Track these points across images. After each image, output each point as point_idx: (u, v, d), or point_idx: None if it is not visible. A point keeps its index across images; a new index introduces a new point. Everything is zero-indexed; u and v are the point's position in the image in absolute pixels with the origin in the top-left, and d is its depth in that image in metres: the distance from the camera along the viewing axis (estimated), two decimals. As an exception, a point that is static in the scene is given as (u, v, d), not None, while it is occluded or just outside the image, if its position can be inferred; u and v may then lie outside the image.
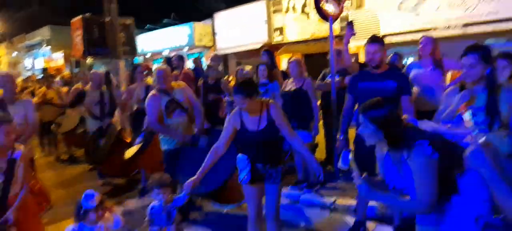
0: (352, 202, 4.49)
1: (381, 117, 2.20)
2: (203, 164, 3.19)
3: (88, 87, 6.48)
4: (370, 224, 4.06)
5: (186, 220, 4.41)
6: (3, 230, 2.74)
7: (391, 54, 5.63)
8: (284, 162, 3.27)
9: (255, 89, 3.17)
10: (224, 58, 15.90)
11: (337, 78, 5.13)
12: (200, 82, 6.50)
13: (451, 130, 2.38)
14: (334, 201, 4.59)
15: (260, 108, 3.14)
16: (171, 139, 4.38)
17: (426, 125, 2.32)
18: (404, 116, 2.37)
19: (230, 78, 6.55)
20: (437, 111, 2.97)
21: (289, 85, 5.09)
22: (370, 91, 3.33)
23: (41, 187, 4.21)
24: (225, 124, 3.25)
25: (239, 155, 3.21)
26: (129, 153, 5.20)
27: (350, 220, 4.28)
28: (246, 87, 3.09)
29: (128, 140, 5.88)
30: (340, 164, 3.52)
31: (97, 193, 2.88)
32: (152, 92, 4.44)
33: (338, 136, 3.82)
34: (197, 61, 8.53)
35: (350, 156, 2.90)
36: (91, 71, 7.09)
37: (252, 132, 3.13)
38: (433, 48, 4.51)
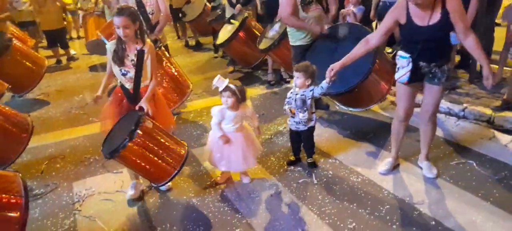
0: (486, 110, 4.07)
1: None
2: (349, 54, 2.97)
3: None
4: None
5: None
6: (140, 117, 2.80)
7: None
8: (451, 61, 2.88)
9: None
10: None
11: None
12: None
13: None
14: (464, 108, 4.18)
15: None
16: (303, 33, 4.24)
17: None
18: None
19: None
20: None
21: None
22: None
23: (179, 72, 4.68)
24: (386, 16, 2.90)
25: (400, 51, 2.91)
26: (263, 44, 5.27)
27: (479, 129, 3.92)
28: None
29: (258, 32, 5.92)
30: None
31: (226, 79, 3.06)
32: None
33: None
34: None
35: None
36: None
37: (420, 27, 2.73)
38: None
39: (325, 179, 3.31)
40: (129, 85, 3.04)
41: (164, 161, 2.91)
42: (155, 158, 2.88)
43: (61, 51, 8.53)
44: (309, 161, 3.52)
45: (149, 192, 3.32)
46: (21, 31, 7.44)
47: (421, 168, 3.30)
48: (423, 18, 2.70)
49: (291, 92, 3.33)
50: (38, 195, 3.39)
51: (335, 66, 2.97)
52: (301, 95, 3.25)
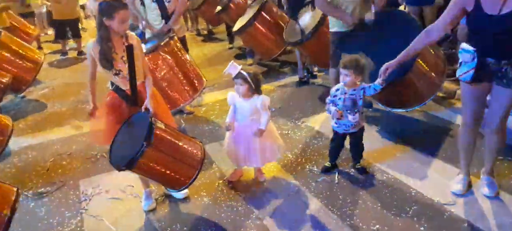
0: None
1: None
2: (407, 49, 2.65)
3: None
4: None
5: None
6: (151, 118, 2.59)
7: None
8: None
9: None
10: None
11: None
12: None
13: None
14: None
15: None
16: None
17: None
18: None
19: None
20: None
21: None
22: None
23: (195, 70, 4.48)
24: (451, 3, 2.51)
25: (464, 44, 2.52)
26: (293, 38, 4.87)
27: None
28: None
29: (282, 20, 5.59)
30: None
31: (239, 65, 2.90)
32: None
33: None
34: None
35: None
36: None
37: (490, 16, 2.33)
38: None
39: (347, 178, 3.11)
40: (124, 86, 2.83)
41: (182, 163, 2.72)
42: (173, 162, 2.70)
43: (71, 42, 8.37)
44: (358, 167, 3.16)
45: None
46: (25, 20, 7.40)
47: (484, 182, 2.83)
48: (495, 5, 2.31)
49: (337, 90, 2.94)
50: (44, 194, 3.27)
51: (391, 64, 2.66)
52: (351, 94, 2.90)
